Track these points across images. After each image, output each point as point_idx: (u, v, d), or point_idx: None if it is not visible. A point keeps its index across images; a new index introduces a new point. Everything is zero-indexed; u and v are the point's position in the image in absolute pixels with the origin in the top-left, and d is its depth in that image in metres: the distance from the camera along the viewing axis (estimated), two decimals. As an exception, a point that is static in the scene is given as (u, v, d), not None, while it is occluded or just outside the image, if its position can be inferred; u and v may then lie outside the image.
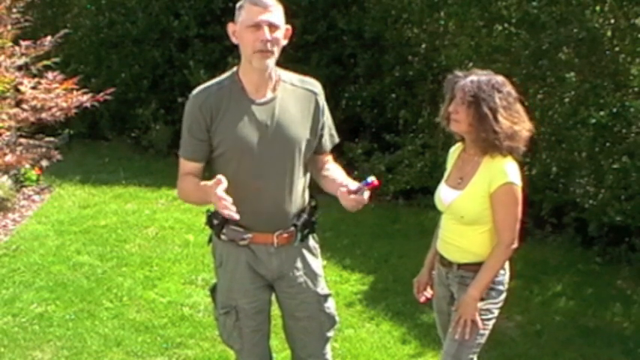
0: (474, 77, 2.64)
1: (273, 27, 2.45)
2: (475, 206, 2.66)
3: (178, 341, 3.90)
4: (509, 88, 2.67)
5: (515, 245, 2.66)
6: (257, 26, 2.43)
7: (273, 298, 2.77)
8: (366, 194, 2.42)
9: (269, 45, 2.44)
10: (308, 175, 2.69)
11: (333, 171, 2.69)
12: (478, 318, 2.67)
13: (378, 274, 4.81)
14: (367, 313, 4.28)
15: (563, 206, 5.22)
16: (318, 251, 2.77)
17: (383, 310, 4.30)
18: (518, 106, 2.69)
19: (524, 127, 2.67)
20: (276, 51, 2.49)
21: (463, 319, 2.68)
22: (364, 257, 5.05)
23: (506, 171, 2.62)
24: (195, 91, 2.59)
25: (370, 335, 4.03)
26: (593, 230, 4.95)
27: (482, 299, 2.68)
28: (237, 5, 2.51)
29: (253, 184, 2.54)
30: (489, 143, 2.61)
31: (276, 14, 2.47)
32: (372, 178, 2.42)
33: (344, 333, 3.99)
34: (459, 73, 2.71)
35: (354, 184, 2.48)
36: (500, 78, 2.67)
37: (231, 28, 2.53)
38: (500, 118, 2.59)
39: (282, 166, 2.57)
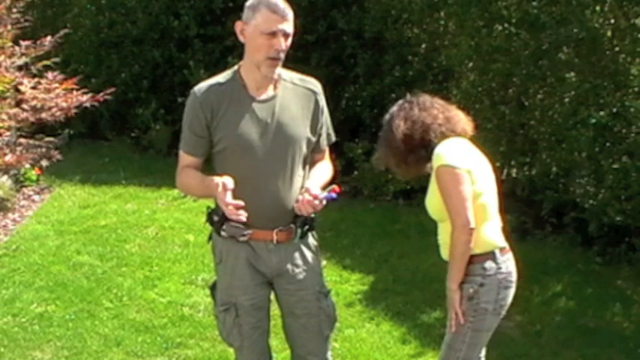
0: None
1: (286, 36, 2.49)
2: (435, 202, 2.68)
3: (178, 341, 3.90)
4: (393, 111, 2.79)
5: (470, 227, 2.57)
6: (273, 34, 2.45)
7: (273, 297, 2.77)
8: (324, 202, 2.55)
9: (281, 54, 2.49)
10: (307, 172, 2.70)
11: (313, 172, 2.70)
12: (459, 310, 2.63)
13: (378, 274, 4.81)
14: (367, 313, 4.28)
15: (563, 206, 5.22)
16: (317, 249, 2.78)
17: (383, 310, 4.30)
18: (407, 112, 2.75)
19: (419, 124, 2.72)
20: (284, 57, 2.53)
21: (449, 310, 2.68)
22: (364, 257, 5.05)
23: (440, 154, 2.63)
24: (196, 88, 2.60)
25: (370, 335, 4.03)
26: (593, 230, 4.94)
27: (470, 298, 2.63)
28: (249, 4, 2.51)
29: (253, 181, 2.55)
30: (413, 161, 2.74)
31: (291, 23, 2.51)
32: (333, 193, 2.55)
33: (344, 333, 3.99)
34: None
35: (318, 191, 2.55)
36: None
37: (239, 26, 2.53)
38: (393, 142, 2.73)
39: (283, 163, 2.59)
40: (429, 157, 2.69)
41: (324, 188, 2.59)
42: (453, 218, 2.60)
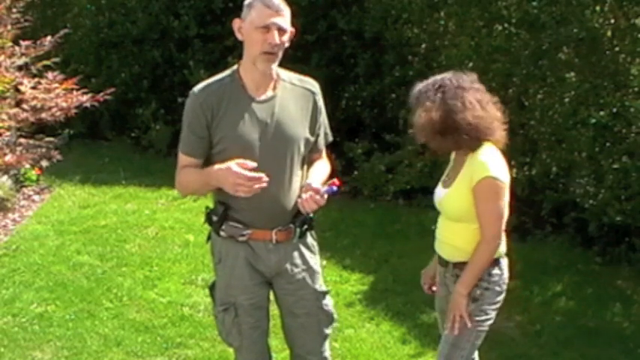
0: (419, 85, 2.68)
1: (281, 31, 2.49)
2: (461, 202, 2.66)
3: (178, 341, 3.90)
4: (461, 81, 2.63)
5: (499, 241, 2.64)
6: (267, 28, 2.46)
7: (272, 297, 2.77)
8: (326, 196, 2.53)
9: (276, 48, 2.48)
10: (305, 172, 2.70)
11: (312, 170, 2.72)
12: (466, 314, 2.66)
13: (378, 274, 4.81)
14: (367, 313, 4.28)
15: (563, 206, 5.22)
16: (316, 248, 2.78)
17: (383, 310, 4.30)
18: (479, 96, 2.64)
19: (489, 116, 2.63)
20: (281, 54, 2.53)
21: (452, 314, 2.69)
22: (364, 257, 5.05)
23: (487, 164, 2.61)
24: (195, 88, 2.60)
25: (370, 335, 4.03)
26: (593, 230, 4.94)
27: (476, 299, 2.68)
28: (247, 2, 2.52)
29: None
30: (453, 140, 2.63)
31: (286, 18, 2.50)
32: (334, 187, 2.53)
33: (344, 333, 3.99)
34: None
35: (319, 185, 2.55)
36: (449, 74, 2.66)
37: (237, 24, 2.54)
38: (456, 114, 2.58)
39: (282, 163, 2.59)
40: (464, 148, 2.64)
41: (323, 184, 2.60)
42: (485, 229, 2.62)
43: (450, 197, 2.71)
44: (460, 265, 2.72)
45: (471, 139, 2.62)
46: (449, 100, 2.60)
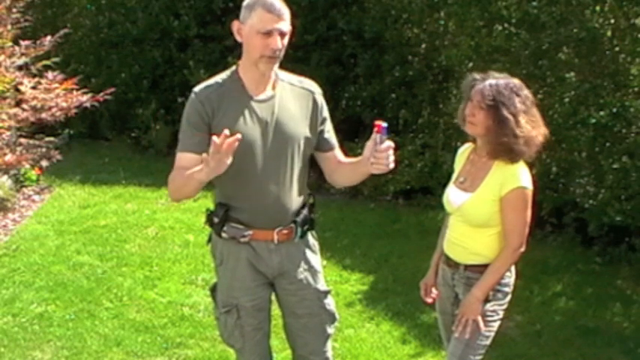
0: (492, 81, 2.63)
1: (283, 35, 2.48)
2: (485, 209, 2.66)
3: (178, 341, 3.90)
4: (526, 91, 2.65)
5: (522, 249, 2.68)
6: (269, 34, 2.45)
7: (273, 297, 2.77)
8: (387, 143, 2.45)
9: (277, 52, 2.48)
10: (307, 172, 2.70)
11: (347, 163, 2.73)
12: (480, 319, 2.67)
13: (378, 274, 4.81)
14: (367, 313, 4.28)
15: (563, 206, 5.22)
16: (317, 248, 2.78)
17: (383, 310, 4.30)
18: (535, 111, 2.67)
19: (539, 132, 2.65)
20: (282, 55, 2.53)
21: (465, 318, 2.68)
22: (364, 257, 5.05)
23: (519, 175, 2.62)
24: (196, 88, 2.61)
25: (370, 335, 4.03)
26: (593, 230, 4.95)
27: (488, 301, 2.69)
28: (246, 4, 2.51)
29: (254, 180, 2.55)
30: (507, 147, 2.59)
31: (287, 21, 2.50)
32: (382, 128, 2.46)
33: (344, 333, 3.99)
34: (476, 75, 2.70)
35: (371, 142, 2.49)
36: (517, 81, 2.66)
37: (236, 26, 2.54)
38: (521, 122, 2.58)
39: (282, 162, 2.59)
40: (510, 156, 2.62)
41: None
42: (511, 238, 2.65)
43: (474, 203, 2.68)
44: (472, 268, 2.72)
45: (519, 153, 2.60)
46: (530, 110, 2.63)
